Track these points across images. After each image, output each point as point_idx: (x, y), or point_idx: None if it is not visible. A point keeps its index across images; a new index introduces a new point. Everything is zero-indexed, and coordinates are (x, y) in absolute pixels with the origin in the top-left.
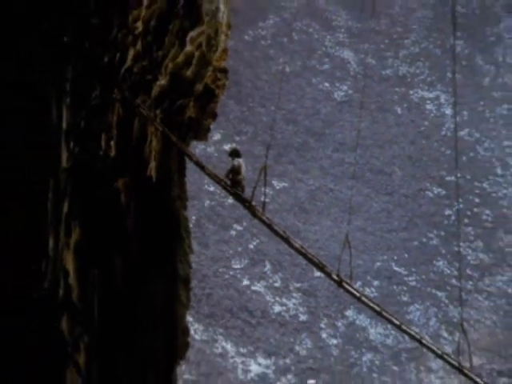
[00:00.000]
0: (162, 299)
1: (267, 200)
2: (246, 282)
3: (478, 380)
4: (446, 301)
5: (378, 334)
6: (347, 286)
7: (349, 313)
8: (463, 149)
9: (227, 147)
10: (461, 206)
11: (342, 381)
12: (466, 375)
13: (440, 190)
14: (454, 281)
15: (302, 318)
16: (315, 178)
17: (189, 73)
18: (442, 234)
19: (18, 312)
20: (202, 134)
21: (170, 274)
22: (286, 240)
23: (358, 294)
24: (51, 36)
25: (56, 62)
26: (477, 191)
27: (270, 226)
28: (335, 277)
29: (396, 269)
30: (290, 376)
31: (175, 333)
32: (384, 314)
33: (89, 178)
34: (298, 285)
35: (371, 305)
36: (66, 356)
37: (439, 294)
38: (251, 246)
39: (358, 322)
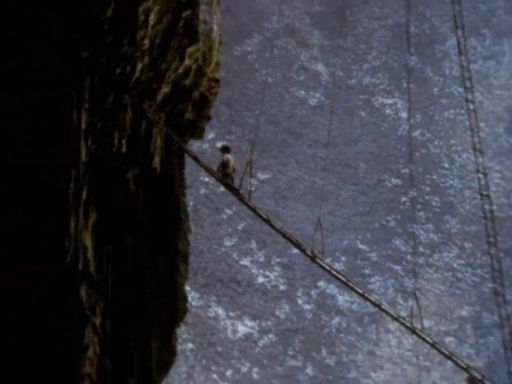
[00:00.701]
0: (165, 271)
1: (252, 189)
2: (235, 257)
3: (427, 339)
4: (402, 273)
5: (344, 301)
6: (319, 261)
7: (320, 283)
8: (416, 146)
9: (219, 144)
10: (414, 194)
11: (314, 340)
12: (417, 335)
13: (397, 180)
14: (408, 257)
15: (282, 287)
16: (293, 170)
17: (187, 82)
18: (399, 217)
19: (43, 282)
20: (198, 133)
21: (171, 250)
22: (268, 222)
23: (328, 268)
24: (73, 52)
25: (76, 73)
26: (428, 182)
27: (254, 211)
28: (309, 253)
29: (360, 246)
30: (271, 335)
31: (176, 299)
32: (350, 284)
33: (104, 170)
34: (279, 260)
35: (339, 277)
36: (85, 318)
37: (396, 267)
38: (239, 227)
39: (328, 290)
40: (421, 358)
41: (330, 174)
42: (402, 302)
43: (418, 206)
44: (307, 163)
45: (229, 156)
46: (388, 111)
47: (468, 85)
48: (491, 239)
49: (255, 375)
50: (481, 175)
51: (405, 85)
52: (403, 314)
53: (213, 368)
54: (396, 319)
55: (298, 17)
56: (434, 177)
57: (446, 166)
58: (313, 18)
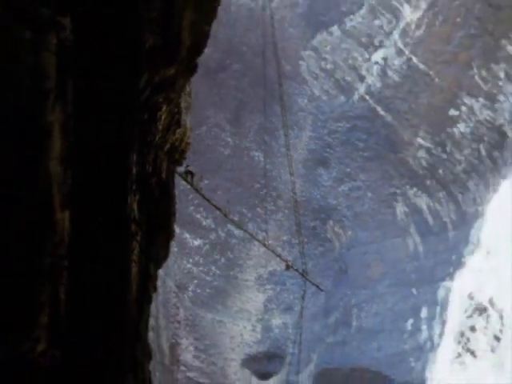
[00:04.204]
0: (165, 218)
1: (200, 187)
2: (193, 214)
3: (270, 248)
4: (261, 223)
5: (238, 233)
6: (228, 216)
7: (229, 226)
8: (267, 172)
9: (186, 167)
10: (265, 191)
11: (225, 247)
12: (266, 247)
13: (258, 185)
14: (263, 215)
15: (212, 226)
16: (217, 180)
17: (177, 144)
18: (259, 199)
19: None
20: (179, 163)
21: (169, 211)
22: (208, 200)
23: (232, 218)
24: (129, 129)
25: (131, 136)
26: (271, 186)
27: (202, 195)
28: (224, 212)
29: (244, 211)
30: (208, 245)
31: (170, 229)
32: (241, 226)
33: (142, 179)
34: (211, 215)
35: (236, 224)
36: (132, 237)
37: (259, 219)
38: (196, 202)
39: (231, 229)
40: (269, 256)
41: (232, 182)
42: (261, 233)
43: (268, 196)
44: (223, 178)
45: (190, 169)
46: (256, 158)
47: (288, 148)
48: (295, 208)
49: (201, 261)
50: (292, 183)
51: (263, 147)
52: (261, 238)
53: (185, 257)
54: (258, 240)
55: (222, 119)
56: (274, 184)
57: (279, 179)
58: (227, 120)
